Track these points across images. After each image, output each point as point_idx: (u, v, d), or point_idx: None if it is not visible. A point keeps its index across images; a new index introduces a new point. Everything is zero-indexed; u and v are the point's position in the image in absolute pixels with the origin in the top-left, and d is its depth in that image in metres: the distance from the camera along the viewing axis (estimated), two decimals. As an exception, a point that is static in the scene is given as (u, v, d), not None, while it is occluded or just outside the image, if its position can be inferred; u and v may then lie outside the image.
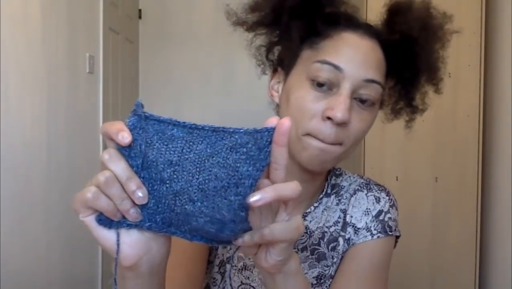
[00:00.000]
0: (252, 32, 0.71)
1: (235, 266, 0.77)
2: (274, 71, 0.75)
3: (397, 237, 0.78)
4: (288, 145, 0.64)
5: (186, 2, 3.24)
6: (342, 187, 0.79)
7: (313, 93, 0.65)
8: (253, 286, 0.76)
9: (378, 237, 0.73)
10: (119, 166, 0.41)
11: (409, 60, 0.69)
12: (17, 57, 1.61)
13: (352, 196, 0.78)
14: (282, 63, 0.73)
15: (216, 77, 3.23)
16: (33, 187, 1.73)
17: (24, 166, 1.66)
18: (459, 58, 2.02)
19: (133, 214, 0.42)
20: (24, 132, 1.66)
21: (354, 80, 0.64)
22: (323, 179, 0.79)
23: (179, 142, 0.41)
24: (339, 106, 0.62)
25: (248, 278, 0.76)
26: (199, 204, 0.41)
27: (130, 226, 0.42)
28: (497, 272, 1.99)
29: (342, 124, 0.63)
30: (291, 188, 0.43)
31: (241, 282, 0.76)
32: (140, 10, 3.18)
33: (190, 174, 0.40)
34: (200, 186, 0.40)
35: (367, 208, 0.76)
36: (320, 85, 0.64)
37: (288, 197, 0.43)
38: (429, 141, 2.06)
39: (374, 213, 0.75)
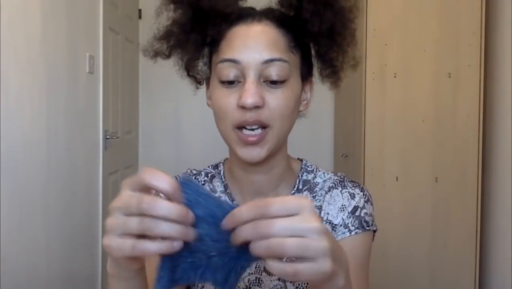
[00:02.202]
0: (169, 58, 0.76)
1: None
2: (207, 82, 0.79)
3: (374, 231, 0.78)
4: (227, 142, 0.72)
5: (186, 2, 3.23)
6: (316, 184, 0.80)
7: (225, 91, 0.70)
8: None
9: (356, 233, 0.74)
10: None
11: (303, 26, 0.71)
12: (16, 57, 1.61)
13: (327, 193, 0.78)
14: (206, 74, 0.79)
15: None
16: (33, 187, 1.73)
17: (23, 165, 1.66)
18: (459, 58, 2.03)
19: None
20: (24, 132, 1.66)
21: (253, 66, 0.67)
22: (290, 174, 0.80)
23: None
24: (245, 92, 0.66)
25: None
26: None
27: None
28: (497, 272, 1.99)
29: (257, 108, 0.67)
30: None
31: None
32: (140, 10, 3.17)
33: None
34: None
35: (342, 205, 0.77)
36: (230, 82, 0.69)
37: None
38: (429, 141, 2.06)
39: (349, 209, 0.76)
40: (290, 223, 0.42)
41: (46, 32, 1.81)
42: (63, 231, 1.98)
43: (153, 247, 0.43)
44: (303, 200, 0.44)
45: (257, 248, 0.43)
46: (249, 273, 0.77)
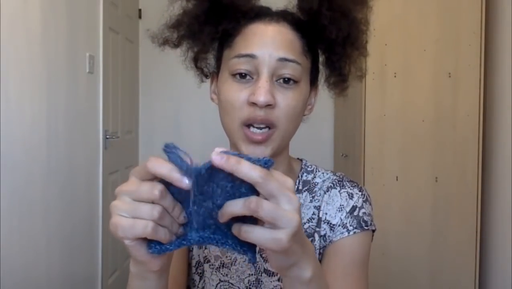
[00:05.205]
0: (178, 48, 0.76)
1: (213, 265, 0.79)
2: (212, 76, 0.79)
3: (373, 231, 0.78)
4: (232, 138, 0.72)
5: (186, 2, 3.23)
6: (316, 184, 0.80)
7: (237, 85, 0.69)
8: (231, 283, 0.77)
9: (355, 232, 0.74)
10: (168, 199, 0.44)
11: (320, 33, 0.72)
12: (17, 57, 1.61)
13: (325, 193, 0.78)
14: (213, 67, 0.79)
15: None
16: (33, 187, 1.73)
17: (24, 165, 1.66)
18: (459, 58, 2.03)
19: (180, 232, 0.47)
20: (24, 132, 1.66)
21: (269, 63, 0.68)
22: (291, 175, 0.80)
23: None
24: (259, 90, 0.66)
25: (226, 275, 0.78)
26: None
27: (179, 246, 0.47)
28: (497, 272, 1.99)
29: (268, 106, 0.67)
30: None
31: (219, 279, 0.78)
32: (140, 10, 3.18)
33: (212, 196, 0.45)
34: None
35: (340, 205, 0.77)
36: (242, 76, 0.69)
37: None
38: (429, 141, 2.06)
39: (348, 209, 0.76)
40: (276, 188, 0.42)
41: (46, 32, 1.81)
42: (63, 231, 1.98)
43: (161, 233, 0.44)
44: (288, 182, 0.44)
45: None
46: (249, 274, 0.77)
